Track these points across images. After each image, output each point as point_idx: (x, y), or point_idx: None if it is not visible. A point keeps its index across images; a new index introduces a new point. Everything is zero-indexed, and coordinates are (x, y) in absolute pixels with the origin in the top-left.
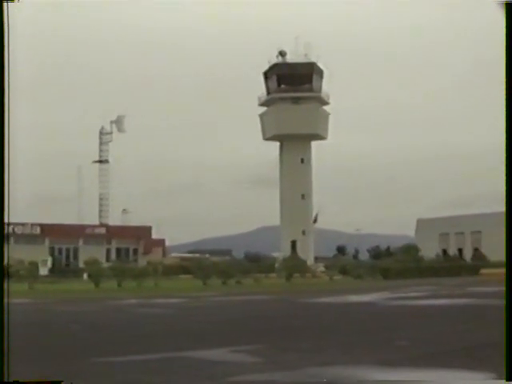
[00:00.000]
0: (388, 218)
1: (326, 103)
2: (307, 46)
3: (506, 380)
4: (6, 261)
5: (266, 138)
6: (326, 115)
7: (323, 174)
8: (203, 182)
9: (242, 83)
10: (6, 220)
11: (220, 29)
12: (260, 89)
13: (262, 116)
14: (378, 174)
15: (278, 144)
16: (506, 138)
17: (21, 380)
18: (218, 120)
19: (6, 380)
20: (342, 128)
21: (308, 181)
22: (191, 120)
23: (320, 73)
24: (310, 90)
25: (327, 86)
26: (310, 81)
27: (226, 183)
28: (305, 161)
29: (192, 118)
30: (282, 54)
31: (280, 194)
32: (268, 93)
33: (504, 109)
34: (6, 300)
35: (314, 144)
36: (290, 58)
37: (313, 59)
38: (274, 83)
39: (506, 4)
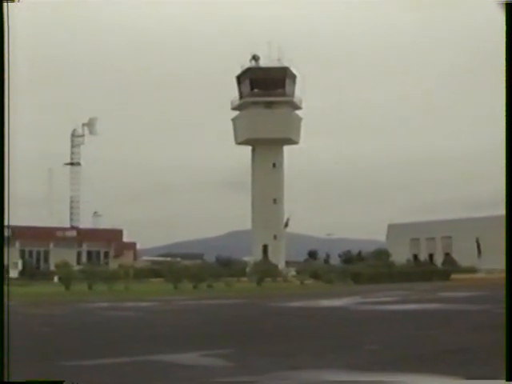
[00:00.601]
0: (360, 223)
1: (299, 108)
2: (280, 51)
3: (506, 380)
4: (6, 262)
5: (239, 142)
6: (299, 120)
7: (295, 179)
8: (175, 185)
9: (215, 86)
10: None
11: (197, 31)
12: (234, 93)
13: (234, 120)
14: (351, 179)
15: (250, 148)
16: (506, 138)
17: (21, 380)
18: (191, 123)
19: (5, 380)
20: (313, 131)
21: (280, 185)
22: (164, 122)
23: (293, 77)
24: (283, 94)
25: (300, 90)
26: (283, 85)
27: (198, 187)
28: (277, 165)
29: (165, 120)
30: (255, 58)
31: (252, 198)
32: (241, 97)
33: (504, 109)
34: (5, 300)
35: (287, 148)
36: (263, 63)
37: (286, 64)
38: (246, 87)
39: (506, 4)
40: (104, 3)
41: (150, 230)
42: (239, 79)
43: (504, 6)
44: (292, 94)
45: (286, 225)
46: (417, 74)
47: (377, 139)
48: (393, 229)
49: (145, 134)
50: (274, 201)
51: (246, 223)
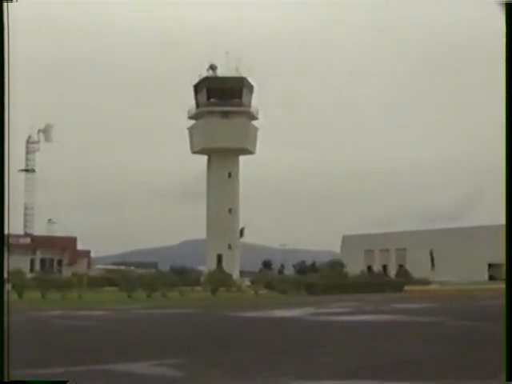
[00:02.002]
0: (314, 233)
1: (255, 118)
2: (238, 61)
3: (506, 380)
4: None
5: (194, 152)
6: (255, 130)
7: (250, 189)
8: (130, 193)
9: (172, 95)
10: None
11: (155, 37)
12: (191, 102)
13: (190, 129)
14: (306, 190)
15: (205, 158)
16: (506, 138)
17: (21, 380)
18: (146, 131)
19: (5, 380)
20: (270, 142)
21: (235, 195)
22: (120, 130)
23: (250, 88)
24: (240, 104)
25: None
26: (240, 95)
27: (153, 195)
28: (232, 175)
29: (121, 128)
30: (212, 67)
31: (207, 207)
32: (197, 106)
33: (504, 109)
34: (5, 301)
35: (242, 158)
36: (220, 72)
37: (243, 74)
38: (203, 96)
39: (506, 4)
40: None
41: (104, 238)
42: (196, 88)
43: (504, 5)
44: (249, 104)
45: (241, 234)
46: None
47: (336, 147)
48: (347, 240)
49: (103, 141)
50: (230, 211)
51: (201, 233)
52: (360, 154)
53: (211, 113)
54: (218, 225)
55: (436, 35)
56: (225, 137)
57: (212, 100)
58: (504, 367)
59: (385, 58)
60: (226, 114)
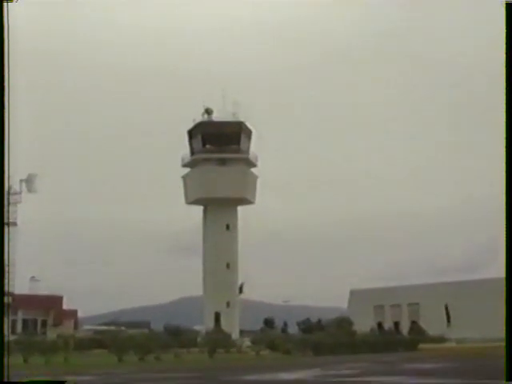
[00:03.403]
0: (319, 289)
1: (254, 165)
2: (236, 105)
3: (506, 380)
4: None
5: (189, 202)
6: (254, 178)
7: (250, 241)
8: (120, 247)
9: (165, 141)
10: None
11: (147, 80)
12: (185, 148)
13: (185, 178)
14: (310, 241)
15: (201, 208)
16: (506, 139)
17: (22, 380)
18: (138, 180)
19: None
20: (269, 190)
21: (233, 248)
22: (109, 180)
23: (248, 133)
24: (238, 151)
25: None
26: (238, 141)
27: (145, 249)
28: (230, 227)
29: (110, 178)
30: (208, 111)
31: (203, 262)
32: (192, 153)
33: (504, 109)
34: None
35: (241, 209)
36: (216, 117)
37: (241, 119)
38: (198, 143)
39: (506, 4)
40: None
41: (92, 297)
42: (190, 134)
43: (504, 6)
44: (247, 151)
45: (241, 291)
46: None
47: (339, 195)
48: (355, 295)
49: (89, 191)
50: (228, 265)
51: (197, 289)
52: (364, 202)
53: (207, 160)
54: (216, 280)
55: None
56: (222, 186)
57: (208, 146)
58: (504, 367)
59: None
60: (222, 162)
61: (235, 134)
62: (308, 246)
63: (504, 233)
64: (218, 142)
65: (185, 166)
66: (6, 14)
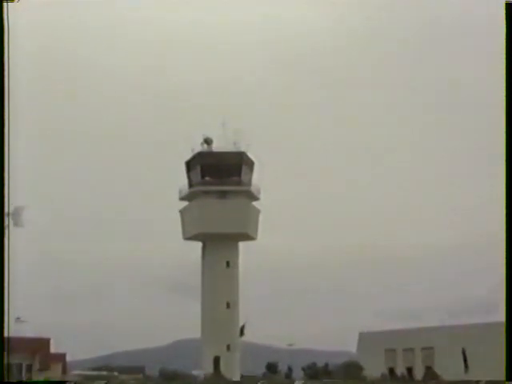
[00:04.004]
0: (326, 331)
1: (257, 198)
2: (237, 133)
3: (506, 380)
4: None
5: (187, 238)
6: (257, 212)
7: (251, 279)
8: (112, 285)
9: (162, 172)
10: None
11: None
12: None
13: (182, 212)
14: (314, 279)
15: (200, 244)
16: (506, 139)
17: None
18: (132, 214)
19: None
20: (271, 225)
21: (234, 287)
22: (100, 213)
23: (250, 164)
24: (239, 183)
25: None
26: (239, 173)
27: (138, 287)
28: (231, 264)
29: (101, 210)
30: (207, 141)
31: (202, 301)
32: (190, 185)
33: (504, 109)
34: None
35: (242, 245)
36: (216, 147)
37: (242, 148)
38: (197, 175)
39: (506, 4)
40: None
41: (82, 339)
42: (189, 165)
43: (504, 6)
44: (249, 183)
45: (242, 333)
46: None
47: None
48: (365, 338)
49: (80, 223)
50: (228, 305)
51: (195, 331)
52: (371, 238)
53: (206, 193)
54: (215, 322)
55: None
56: (222, 220)
57: (207, 178)
58: (504, 367)
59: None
60: (223, 194)
61: (236, 166)
62: (313, 284)
63: (504, 233)
64: (218, 173)
65: (182, 199)
66: (6, 14)
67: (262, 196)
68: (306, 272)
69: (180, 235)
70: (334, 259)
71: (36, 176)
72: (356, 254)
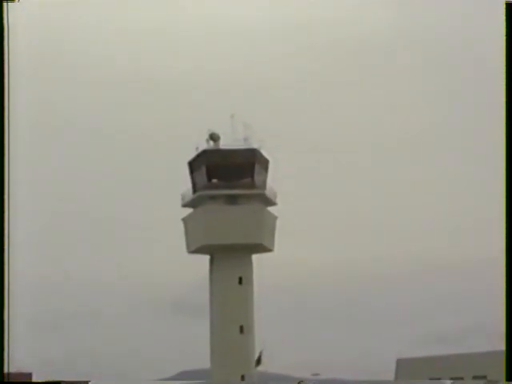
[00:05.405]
0: (355, 357)
1: (273, 203)
2: (248, 128)
3: (506, 380)
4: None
5: (192, 251)
6: (273, 219)
7: (268, 298)
8: (110, 306)
9: (161, 174)
10: None
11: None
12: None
13: (186, 220)
14: (339, 296)
15: (207, 258)
16: (506, 139)
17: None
18: (131, 225)
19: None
20: (289, 234)
21: (248, 308)
22: (94, 225)
23: (264, 163)
24: (251, 186)
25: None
26: (251, 174)
27: (139, 309)
28: (244, 281)
29: (97, 222)
30: (213, 137)
31: (210, 325)
32: (195, 189)
33: (504, 109)
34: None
35: (256, 258)
36: (224, 144)
37: (255, 145)
38: (202, 177)
39: (506, 4)
40: None
41: (73, 368)
42: (192, 166)
43: (504, 6)
44: (263, 185)
45: (258, 362)
46: None
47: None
48: (403, 365)
49: (75, 237)
50: (241, 329)
51: (202, 360)
52: (404, 249)
53: (213, 198)
54: (227, 349)
55: None
56: (233, 230)
57: (214, 181)
58: (504, 367)
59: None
60: (233, 199)
61: (248, 165)
62: (338, 302)
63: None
64: (227, 174)
65: (185, 205)
66: (6, 14)
67: (278, 200)
68: (331, 288)
69: (183, 248)
70: (359, 274)
71: (33, 177)
72: (387, 269)
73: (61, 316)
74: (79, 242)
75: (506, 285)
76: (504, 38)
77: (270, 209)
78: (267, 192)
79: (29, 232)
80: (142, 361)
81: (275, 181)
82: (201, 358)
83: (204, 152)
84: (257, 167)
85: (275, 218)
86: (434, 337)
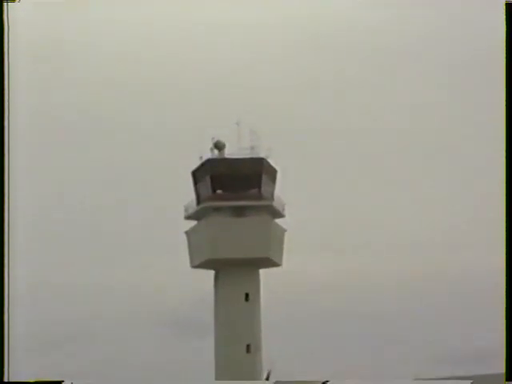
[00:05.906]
0: (368, 370)
1: (281, 215)
2: (254, 136)
3: (506, 380)
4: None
5: (196, 265)
6: (281, 232)
7: (276, 315)
8: (108, 323)
9: (163, 185)
10: None
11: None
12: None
13: (189, 233)
14: (350, 309)
15: (212, 273)
16: (506, 139)
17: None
18: (133, 237)
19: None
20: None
21: (255, 325)
22: (98, 238)
23: (272, 173)
24: (258, 197)
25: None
26: (259, 184)
27: (138, 327)
28: (251, 297)
29: (99, 236)
30: (218, 146)
31: (215, 344)
32: (199, 201)
33: (504, 109)
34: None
35: (264, 273)
36: (229, 153)
37: (262, 154)
38: (207, 187)
39: (506, 4)
40: None
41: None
42: (195, 176)
43: (504, 6)
44: (271, 196)
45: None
46: None
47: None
48: None
49: (75, 251)
50: (248, 348)
51: (208, 381)
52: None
53: (218, 210)
54: (233, 368)
55: None
56: (239, 243)
57: (219, 192)
58: (504, 367)
59: None
60: (239, 211)
61: (255, 175)
62: (352, 315)
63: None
64: (233, 185)
65: (189, 217)
66: (6, 14)
67: (287, 212)
68: (345, 303)
69: (187, 262)
70: (372, 288)
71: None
72: (402, 282)
73: (57, 332)
74: (79, 252)
75: (506, 284)
76: (504, 37)
77: (278, 221)
78: (275, 203)
79: (28, 236)
80: (144, 380)
81: (283, 191)
82: (205, 378)
83: (208, 161)
84: (264, 177)
85: (283, 230)
86: (455, 355)
